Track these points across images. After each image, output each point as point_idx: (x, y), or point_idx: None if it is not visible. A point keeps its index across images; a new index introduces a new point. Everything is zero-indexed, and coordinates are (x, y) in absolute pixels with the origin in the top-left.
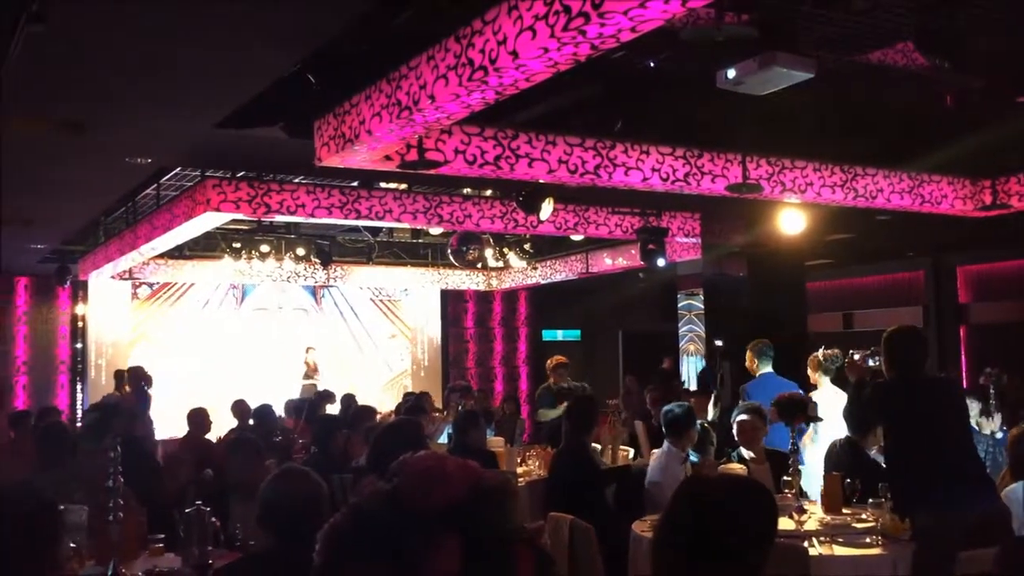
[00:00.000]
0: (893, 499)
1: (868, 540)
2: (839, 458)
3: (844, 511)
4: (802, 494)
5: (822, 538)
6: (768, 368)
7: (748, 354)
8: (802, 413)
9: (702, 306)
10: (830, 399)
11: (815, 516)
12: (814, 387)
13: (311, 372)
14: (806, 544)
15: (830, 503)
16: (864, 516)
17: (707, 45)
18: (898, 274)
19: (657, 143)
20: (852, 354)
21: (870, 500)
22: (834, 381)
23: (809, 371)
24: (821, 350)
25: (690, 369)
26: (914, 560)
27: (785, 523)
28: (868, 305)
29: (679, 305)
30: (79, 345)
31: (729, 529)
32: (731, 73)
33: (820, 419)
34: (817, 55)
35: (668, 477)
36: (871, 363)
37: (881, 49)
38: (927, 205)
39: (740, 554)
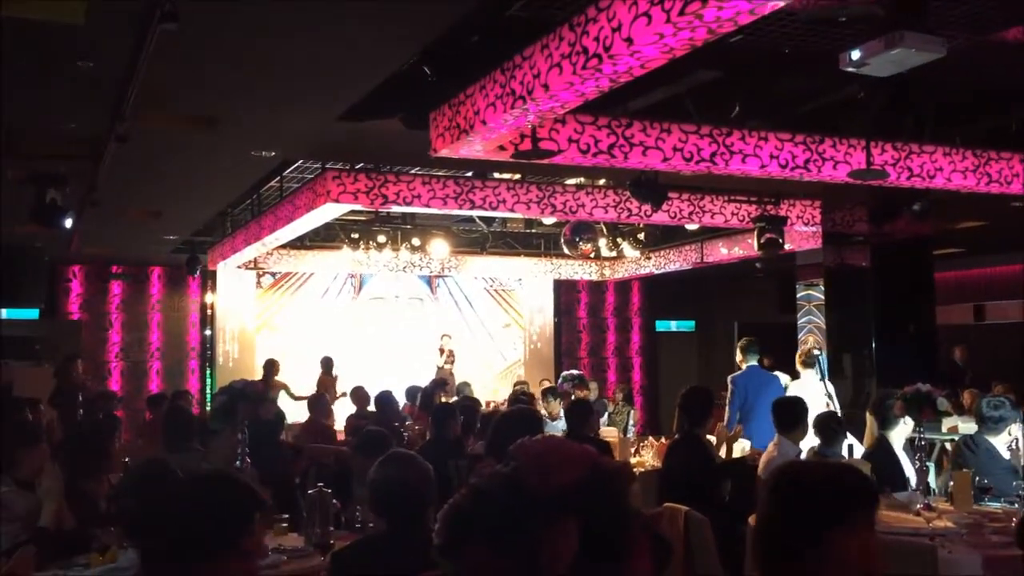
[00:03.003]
0: None
1: (1000, 540)
2: (968, 455)
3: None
4: (929, 491)
5: (951, 537)
6: (754, 362)
7: (738, 351)
8: (930, 408)
9: (822, 297)
10: (811, 388)
11: (944, 514)
12: (797, 377)
13: (449, 359)
14: (934, 543)
15: (960, 501)
16: (997, 515)
17: (829, 25)
18: None
19: (776, 128)
20: None
21: (1002, 499)
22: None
23: (797, 364)
24: (805, 345)
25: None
26: None
27: (913, 521)
28: (1001, 296)
29: (798, 296)
30: (208, 332)
31: (805, 510)
32: (855, 54)
33: (950, 414)
34: (947, 34)
35: None
36: None
37: (1017, 27)
38: None
39: (822, 537)
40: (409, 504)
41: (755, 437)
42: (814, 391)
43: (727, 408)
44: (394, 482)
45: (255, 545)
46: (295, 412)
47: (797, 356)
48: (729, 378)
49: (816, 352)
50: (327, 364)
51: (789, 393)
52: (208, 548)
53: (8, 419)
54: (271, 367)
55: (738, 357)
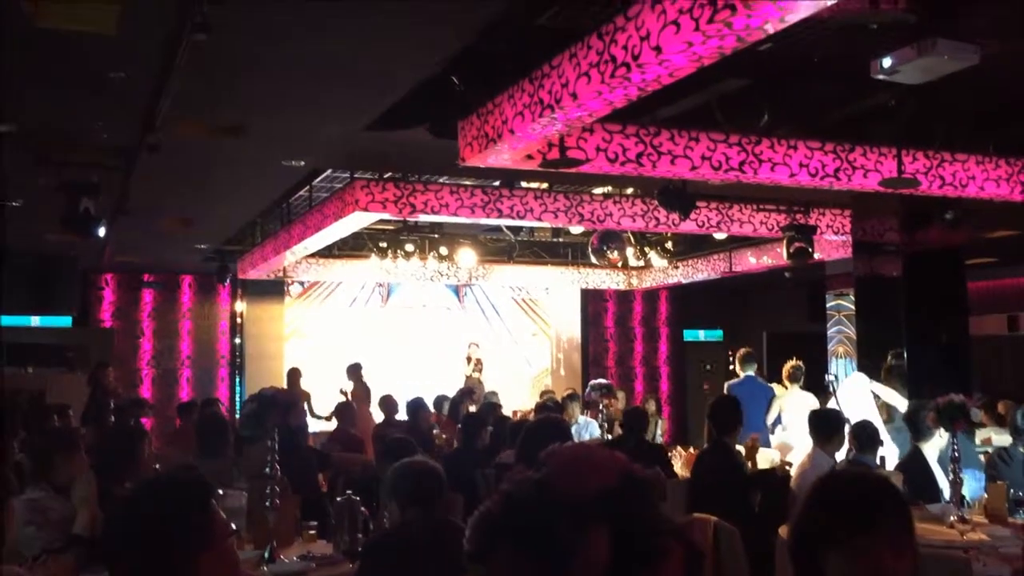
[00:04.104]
0: None
1: None
2: (1003, 467)
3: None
4: (963, 503)
5: (986, 550)
6: (751, 372)
7: (736, 362)
8: (963, 418)
9: (852, 307)
10: (798, 401)
11: (978, 527)
12: (785, 389)
13: (477, 367)
14: (968, 555)
15: (994, 514)
16: None
17: (860, 32)
18: None
19: (806, 137)
20: None
21: None
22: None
23: (783, 378)
24: (792, 361)
25: (839, 372)
26: None
27: (947, 533)
28: None
29: (827, 305)
30: (238, 340)
31: (828, 518)
32: (887, 62)
33: (982, 425)
34: (980, 41)
35: (812, 481)
36: None
37: None
38: None
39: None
40: (423, 488)
41: None
42: (801, 402)
43: None
44: (409, 471)
45: (220, 533)
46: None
47: (784, 371)
48: (726, 385)
49: (801, 366)
50: (355, 371)
51: (779, 402)
52: (172, 555)
53: (45, 425)
54: (294, 375)
55: (737, 368)
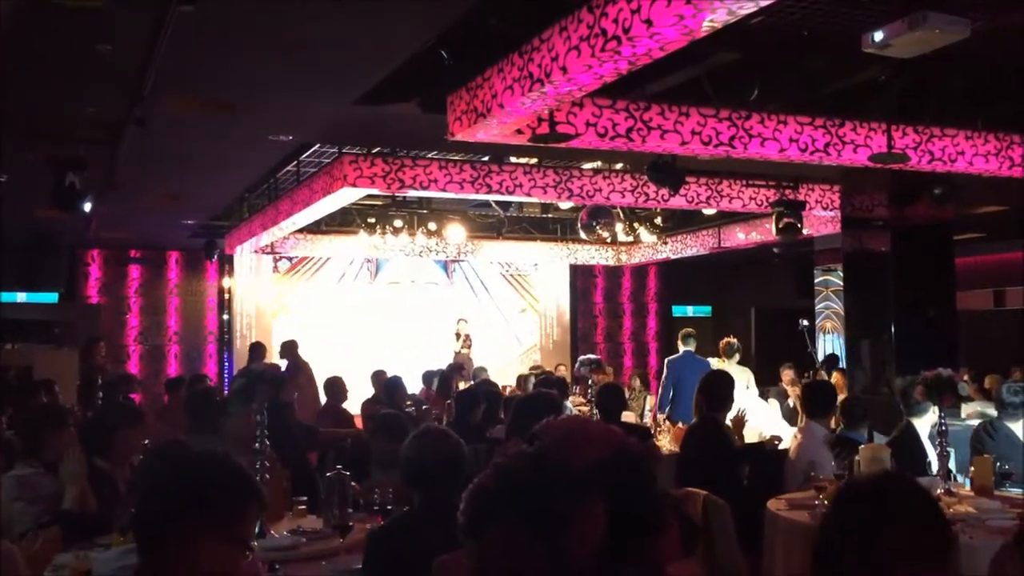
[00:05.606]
0: None
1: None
2: (988, 441)
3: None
4: (950, 476)
5: (972, 522)
6: (691, 348)
7: (679, 339)
8: (951, 391)
9: (840, 282)
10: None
11: (965, 500)
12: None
13: (466, 343)
14: (955, 528)
15: (980, 487)
16: (1018, 501)
17: (851, 6)
18: None
19: (796, 112)
20: None
21: None
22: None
23: (719, 353)
24: (727, 338)
25: (827, 347)
26: None
27: None
28: (1022, 282)
29: (816, 281)
30: (226, 316)
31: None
32: (878, 35)
33: (971, 399)
34: (971, 14)
35: (811, 453)
36: None
37: None
38: None
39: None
40: (443, 476)
41: (685, 414)
42: (735, 376)
43: (661, 387)
44: (429, 455)
45: (245, 534)
46: None
47: (720, 346)
48: (666, 360)
49: (735, 343)
50: (288, 349)
51: None
52: (190, 524)
53: (34, 402)
54: (257, 350)
55: (678, 344)
